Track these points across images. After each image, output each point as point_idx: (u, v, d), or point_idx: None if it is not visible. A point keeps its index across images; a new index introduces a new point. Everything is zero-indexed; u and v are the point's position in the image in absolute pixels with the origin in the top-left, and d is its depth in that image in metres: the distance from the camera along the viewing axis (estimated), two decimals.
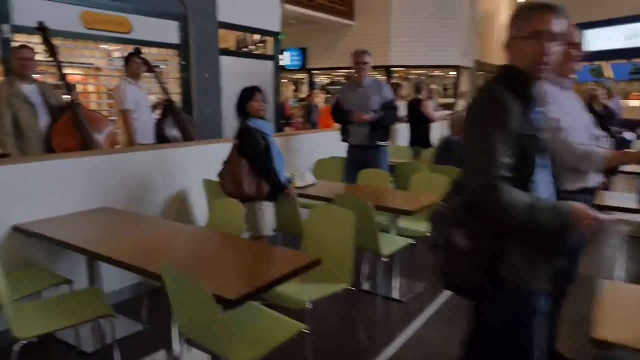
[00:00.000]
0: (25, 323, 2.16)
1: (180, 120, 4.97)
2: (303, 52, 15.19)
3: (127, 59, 4.66)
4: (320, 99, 11.01)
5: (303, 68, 15.38)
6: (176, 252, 2.43)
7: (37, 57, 3.91)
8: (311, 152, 5.46)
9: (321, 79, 16.59)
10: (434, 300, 3.57)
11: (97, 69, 6.95)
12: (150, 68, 4.91)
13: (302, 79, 16.52)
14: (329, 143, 5.72)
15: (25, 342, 2.06)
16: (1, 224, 2.81)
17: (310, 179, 4.24)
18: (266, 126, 3.22)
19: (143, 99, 4.70)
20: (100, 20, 5.14)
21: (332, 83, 16.59)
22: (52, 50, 4.03)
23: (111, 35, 5.28)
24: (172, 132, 4.85)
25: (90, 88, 7.32)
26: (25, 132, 3.63)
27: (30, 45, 3.88)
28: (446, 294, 3.67)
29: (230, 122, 6.73)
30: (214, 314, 1.80)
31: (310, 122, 9.25)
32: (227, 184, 3.14)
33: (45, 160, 3.12)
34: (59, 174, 3.11)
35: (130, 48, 5.55)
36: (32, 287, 2.58)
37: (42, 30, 4.01)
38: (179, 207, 3.87)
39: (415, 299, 3.62)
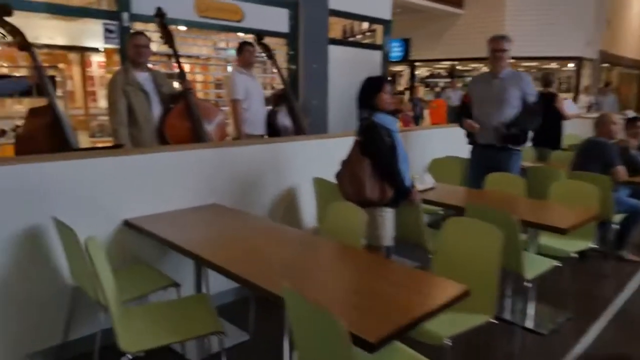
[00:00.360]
0: (132, 334, 1.96)
1: (294, 110, 4.72)
2: (406, 43, 14.53)
3: (240, 48, 4.49)
4: (420, 93, 10.38)
5: (404, 60, 14.74)
6: (291, 265, 2.12)
7: (152, 47, 3.84)
8: (425, 151, 4.97)
9: (420, 72, 15.85)
10: (582, 336, 2.96)
11: (206, 58, 6.97)
12: (271, 54, 4.71)
13: (401, 71, 15.87)
14: (444, 140, 5.19)
15: (131, 357, 1.86)
16: (112, 218, 2.69)
17: (429, 181, 3.77)
18: (392, 122, 2.81)
19: (255, 89, 4.52)
20: (214, 7, 5.02)
21: (431, 76, 15.80)
22: (168, 38, 3.93)
23: (223, 23, 5.15)
24: (285, 121, 4.63)
25: (198, 78, 7.40)
26: (138, 121, 3.55)
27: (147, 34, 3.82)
28: (597, 327, 3.05)
29: (335, 114, 6.43)
30: (349, 357, 1.44)
31: (415, 117, 8.71)
32: (347, 186, 2.78)
33: (157, 152, 2.97)
34: (170, 167, 2.94)
35: (240, 37, 5.44)
36: (140, 289, 2.41)
37: (160, 16, 3.92)
38: (287, 205, 3.60)
39: (557, 332, 3.03)
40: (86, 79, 9.79)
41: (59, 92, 8.52)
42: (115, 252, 2.68)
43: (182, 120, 3.74)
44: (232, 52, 6.70)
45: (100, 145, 5.51)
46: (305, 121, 4.79)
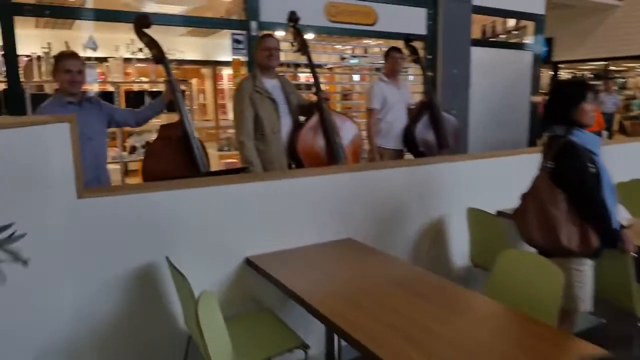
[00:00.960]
0: None
1: (438, 122, 4.07)
2: (549, 42, 12.94)
3: (386, 55, 3.99)
4: None
5: (547, 61, 13.14)
6: (443, 341, 1.48)
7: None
8: None
9: (561, 74, 14.05)
10: None
11: (331, 67, 6.59)
12: (419, 58, 4.14)
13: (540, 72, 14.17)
14: (625, 158, 4.14)
15: None
16: (233, 254, 2.29)
17: (624, 216, 2.86)
18: (596, 142, 2.04)
19: (396, 99, 3.98)
20: (347, 11, 4.58)
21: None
22: (302, 44, 3.51)
23: (355, 28, 4.69)
24: (425, 135, 4.00)
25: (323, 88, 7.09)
26: (266, 133, 3.17)
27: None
28: None
29: (477, 125, 5.63)
30: None
31: None
32: (532, 229, 2.06)
33: (287, 178, 2.52)
34: (300, 195, 2.48)
35: (371, 41, 4.93)
36: (261, 351, 1.95)
37: (293, 21, 3.53)
38: (433, 239, 2.95)
39: None
40: (217, 92, 10.10)
41: (189, 106, 8.90)
42: (235, 295, 2.28)
43: (315, 134, 3.31)
44: (356, 61, 6.27)
45: (227, 160, 5.35)
46: (451, 136, 4.10)
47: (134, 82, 4.36)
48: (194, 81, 10.35)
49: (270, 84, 3.25)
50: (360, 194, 2.65)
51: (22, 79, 3.61)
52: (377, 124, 3.95)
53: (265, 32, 4.19)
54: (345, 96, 6.60)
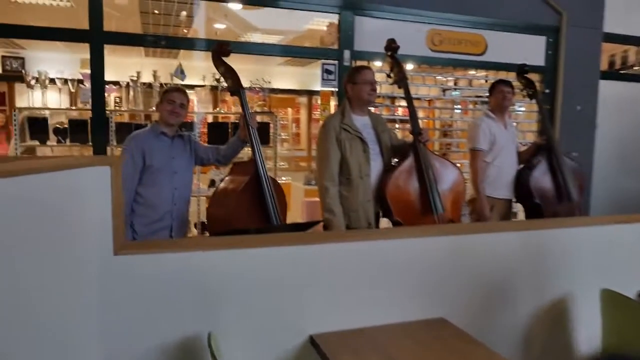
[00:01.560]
0: None
1: (559, 169, 3.41)
2: None
3: (492, 88, 3.44)
4: None
5: None
6: None
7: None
8: None
9: None
10: None
11: (429, 100, 6.08)
12: (535, 92, 3.57)
13: None
14: None
15: None
16: (296, 331, 1.87)
17: None
18: None
19: (506, 138, 3.40)
20: (452, 39, 4.10)
21: None
22: (401, 75, 3.09)
23: (460, 58, 4.18)
24: (542, 183, 3.38)
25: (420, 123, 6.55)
26: (353, 178, 2.77)
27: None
28: None
29: (602, 175, 4.77)
30: None
31: None
32: None
33: (367, 239, 2.06)
34: (382, 258, 2.01)
35: (475, 72, 4.37)
36: None
37: (392, 49, 3.14)
38: (552, 325, 2.31)
39: None
40: (311, 121, 10.00)
41: (283, 135, 8.82)
42: None
43: (408, 179, 2.86)
44: (457, 94, 5.68)
45: (310, 198, 5.02)
46: (575, 187, 3.42)
47: (218, 112, 4.21)
48: (289, 110, 10.38)
49: (361, 121, 2.86)
50: (459, 263, 2.12)
51: (109, 107, 3.57)
52: (485, 168, 3.38)
53: (359, 63, 3.85)
54: (445, 133, 6.04)
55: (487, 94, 3.54)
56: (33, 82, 3.60)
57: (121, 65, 4.78)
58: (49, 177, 1.40)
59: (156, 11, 4.86)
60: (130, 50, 6.52)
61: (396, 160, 3.00)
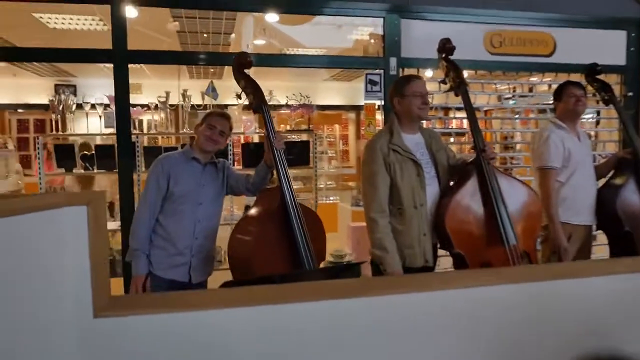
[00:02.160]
0: None
1: None
2: None
3: (559, 91, 2.89)
4: None
5: None
6: None
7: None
8: None
9: None
10: None
11: (486, 110, 5.51)
12: (612, 97, 3.02)
13: None
14: None
15: None
16: None
17: None
18: None
19: (580, 152, 2.82)
20: (515, 39, 3.59)
21: None
22: (458, 81, 2.61)
23: (525, 60, 3.66)
24: (631, 207, 2.78)
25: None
26: (406, 208, 2.30)
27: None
28: None
29: None
30: None
31: None
32: None
33: (423, 290, 1.60)
34: (444, 313, 1.55)
35: (536, 78, 3.82)
36: None
37: (446, 51, 2.68)
38: None
39: None
40: (360, 137, 9.63)
41: (330, 152, 8.49)
42: None
43: (471, 205, 2.37)
44: (514, 102, 5.08)
45: (358, 222, 4.57)
46: None
47: (254, 132, 3.90)
48: (336, 127, 10.06)
49: (412, 140, 2.41)
50: (545, 317, 1.62)
51: (135, 130, 3.33)
52: (558, 190, 2.82)
53: (407, 72, 3.43)
54: (506, 147, 5.47)
55: (552, 100, 2.99)
56: (73, 107, 3.45)
57: (161, 87, 4.63)
58: (13, 223, 1.08)
59: (189, 30, 4.69)
60: (172, 72, 6.44)
61: (454, 182, 2.53)
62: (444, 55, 2.67)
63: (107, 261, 1.35)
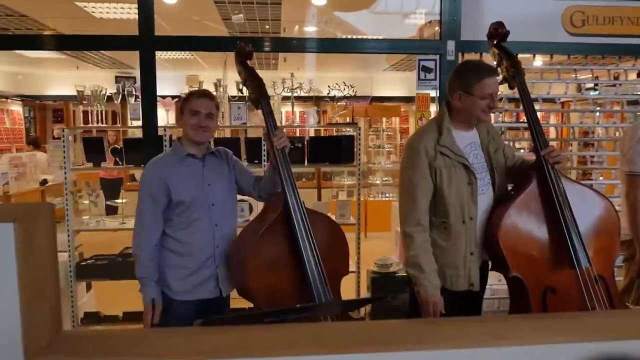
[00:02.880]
0: None
1: None
2: None
3: None
4: None
5: None
6: None
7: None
8: None
9: None
10: None
11: (563, 102, 4.85)
12: None
13: None
14: None
15: None
16: None
17: None
18: None
19: None
20: (600, 17, 3.01)
21: None
22: (513, 70, 2.15)
23: (613, 42, 3.06)
24: None
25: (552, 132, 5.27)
26: (452, 223, 1.90)
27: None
28: None
29: None
30: None
31: None
32: None
33: (460, 346, 1.20)
34: None
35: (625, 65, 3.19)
36: None
37: (499, 37, 2.22)
38: None
39: None
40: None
41: (387, 147, 8.00)
42: None
43: (531, 217, 1.94)
44: (596, 93, 4.34)
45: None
46: None
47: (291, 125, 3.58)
48: (395, 120, 9.55)
49: (466, 139, 2.00)
50: None
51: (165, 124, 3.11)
52: None
53: (468, 57, 2.96)
54: (587, 145, 4.77)
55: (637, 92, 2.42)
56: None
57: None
58: None
59: (237, 16, 4.44)
60: (218, 62, 6.27)
61: (512, 189, 2.08)
62: (495, 42, 2.23)
63: (54, 290, 1.08)
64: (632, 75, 4.03)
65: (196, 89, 2.17)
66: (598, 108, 3.74)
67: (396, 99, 8.59)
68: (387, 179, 7.49)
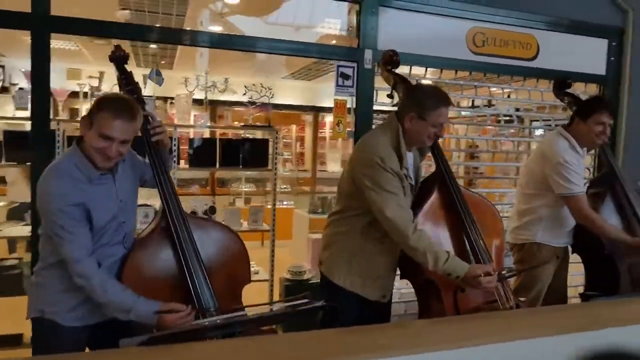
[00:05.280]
0: None
1: (630, 207, 2.62)
2: None
3: (588, 111, 2.53)
4: None
5: None
6: None
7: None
8: None
9: None
10: None
11: (458, 116, 5.28)
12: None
13: None
14: None
15: None
16: None
17: None
18: None
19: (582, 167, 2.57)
20: (497, 39, 3.29)
21: None
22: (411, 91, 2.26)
23: (506, 63, 3.36)
24: (612, 222, 2.57)
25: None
26: (390, 239, 1.96)
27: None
28: None
29: None
30: None
31: None
32: None
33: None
34: None
35: (527, 82, 3.56)
36: None
37: (393, 65, 2.37)
38: None
39: None
40: (317, 140, 9.22)
41: (285, 154, 8.02)
42: None
43: (440, 225, 2.08)
44: (469, 113, 4.81)
45: (318, 233, 4.14)
46: None
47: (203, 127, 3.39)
48: (293, 127, 9.61)
49: (409, 160, 2.06)
50: None
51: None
52: (544, 212, 2.55)
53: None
54: (472, 156, 5.22)
55: (573, 112, 2.68)
56: None
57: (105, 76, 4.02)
58: None
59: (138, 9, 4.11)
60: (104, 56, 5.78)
61: (416, 199, 2.14)
62: (389, 68, 2.41)
63: None
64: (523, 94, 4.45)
65: (113, 97, 1.76)
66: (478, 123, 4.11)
67: (294, 107, 8.63)
68: (285, 186, 7.47)
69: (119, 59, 1.84)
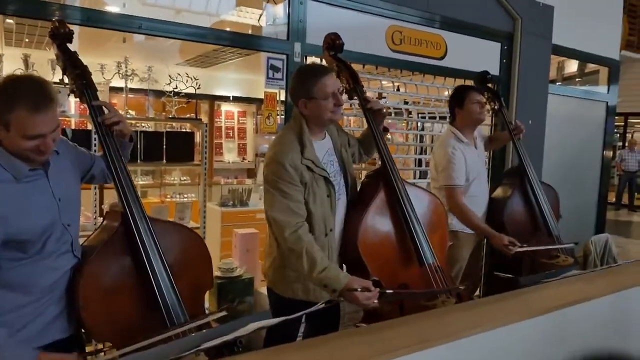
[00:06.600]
0: None
1: (536, 197, 2.94)
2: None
3: (460, 96, 2.81)
4: None
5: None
6: None
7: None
8: None
9: None
10: None
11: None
12: (502, 105, 3.09)
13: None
14: None
15: None
16: None
17: None
18: None
19: (477, 163, 2.83)
20: (414, 38, 3.48)
21: None
22: (354, 83, 2.25)
23: (419, 61, 3.58)
24: (518, 216, 2.88)
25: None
26: (316, 236, 1.90)
27: None
28: None
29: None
30: None
31: None
32: None
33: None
34: None
35: (437, 80, 3.83)
36: None
37: (336, 49, 2.26)
38: None
39: None
40: (213, 130, 8.92)
41: None
42: None
43: (385, 223, 2.07)
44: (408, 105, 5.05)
45: (241, 225, 4.05)
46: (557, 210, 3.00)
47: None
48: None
49: (323, 147, 2.01)
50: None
51: None
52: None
53: (311, 60, 3.06)
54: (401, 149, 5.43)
55: (449, 107, 2.90)
56: None
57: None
58: None
59: None
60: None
61: (359, 197, 2.14)
62: (332, 54, 2.27)
63: None
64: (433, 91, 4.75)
65: (14, 85, 1.40)
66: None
67: (190, 95, 8.23)
68: (185, 178, 7.13)
69: (62, 37, 1.61)
